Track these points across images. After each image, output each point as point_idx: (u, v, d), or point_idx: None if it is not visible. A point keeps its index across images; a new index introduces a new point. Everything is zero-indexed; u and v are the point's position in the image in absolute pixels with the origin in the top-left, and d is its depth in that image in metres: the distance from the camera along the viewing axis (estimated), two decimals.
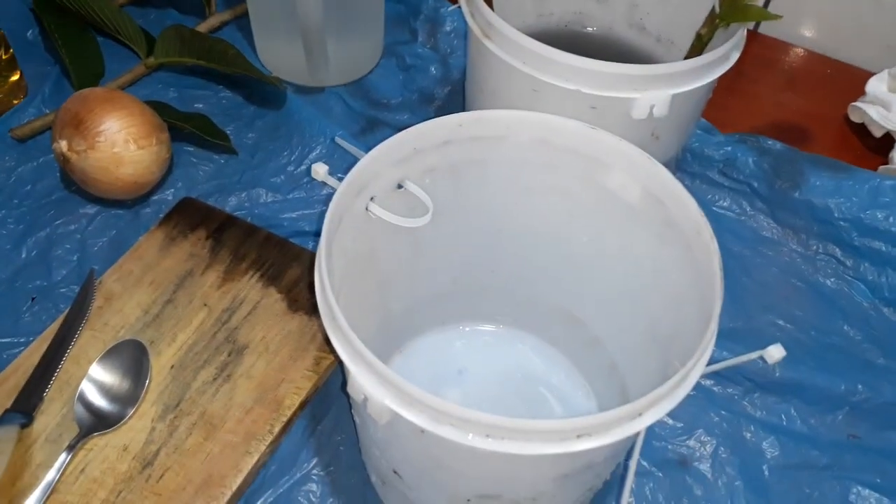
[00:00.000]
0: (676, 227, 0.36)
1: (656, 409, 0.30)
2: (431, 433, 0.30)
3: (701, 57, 0.42)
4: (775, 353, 0.35)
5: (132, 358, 0.47)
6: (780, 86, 0.71)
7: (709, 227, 0.34)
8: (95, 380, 0.46)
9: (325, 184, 0.39)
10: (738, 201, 0.60)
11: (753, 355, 0.35)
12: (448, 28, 0.69)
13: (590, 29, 0.60)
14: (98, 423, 0.45)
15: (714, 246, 0.33)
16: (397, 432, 0.33)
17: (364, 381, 0.31)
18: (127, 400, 0.46)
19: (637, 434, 0.31)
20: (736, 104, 0.67)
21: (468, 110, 0.55)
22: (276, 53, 0.66)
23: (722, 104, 0.66)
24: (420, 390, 0.29)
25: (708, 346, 0.32)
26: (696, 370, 0.31)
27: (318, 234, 0.57)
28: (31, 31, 0.69)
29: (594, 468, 0.35)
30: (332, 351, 0.47)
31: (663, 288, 0.38)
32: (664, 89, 0.42)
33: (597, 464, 0.34)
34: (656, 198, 0.37)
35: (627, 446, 0.37)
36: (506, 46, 0.44)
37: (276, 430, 0.45)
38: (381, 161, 0.37)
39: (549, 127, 0.39)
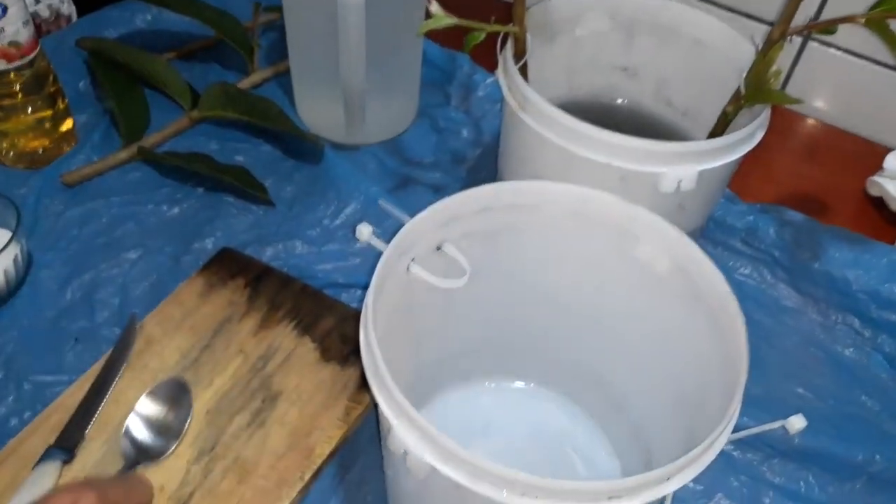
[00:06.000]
0: (703, 300, 0.38)
1: (683, 474, 0.32)
2: (468, 489, 0.31)
3: (728, 136, 0.45)
4: (797, 423, 0.36)
5: (176, 395, 0.49)
6: (801, 157, 0.73)
7: (735, 301, 0.36)
8: (142, 413, 0.48)
9: (368, 243, 0.41)
10: (760, 270, 0.61)
11: (775, 425, 0.37)
12: (481, 94, 0.72)
13: (619, 101, 0.63)
14: (142, 454, 0.46)
15: (740, 321, 0.35)
16: (432, 487, 0.35)
17: (405, 435, 0.32)
18: (170, 434, 0.47)
19: (664, 498, 0.32)
20: (757, 174, 0.69)
21: (501, 175, 0.58)
22: (316, 111, 0.69)
23: (744, 173, 0.68)
24: (460, 447, 0.31)
25: (733, 416, 0.33)
26: (721, 438, 0.33)
27: (350, 286, 0.59)
28: (83, 82, 0.72)
29: None
30: (373, 403, 0.49)
31: (689, 356, 0.40)
32: (692, 165, 0.44)
33: None
34: (684, 270, 0.39)
35: None
36: (540, 119, 0.47)
37: (307, 477, 0.47)
38: (423, 225, 0.40)
39: (583, 199, 0.41)
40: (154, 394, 0.49)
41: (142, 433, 0.47)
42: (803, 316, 0.59)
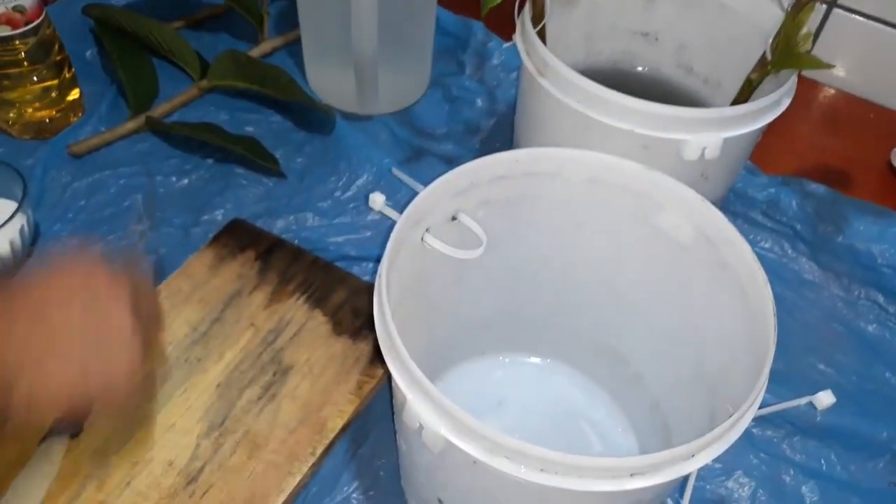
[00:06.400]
0: (729, 271, 0.37)
1: (708, 451, 0.31)
2: (484, 464, 0.30)
3: (754, 102, 0.43)
4: (825, 399, 0.35)
5: None
6: (823, 128, 0.71)
7: (763, 272, 0.35)
8: None
9: (380, 212, 0.40)
10: (780, 243, 0.60)
11: (803, 400, 0.35)
12: (495, 62, 0.70)
13: (639, 68, 0.61)
14: None
15: (768, 292, 0.34)
16: (448, 461, 0.34)
17: (420, 409, 0.31)
18: None
19: (688, 475, 0.31)
20: (778, 145, 0.68)
21: (517, 144, 0.56)
22: (327, 81, 0.68)
23: (765, 144, 0.66)
24: (476, 421, 0.30)
25: (761, 392, 0.32)
26: (748, 414, 0.32)
27: (362, 258, 0.58)
28: (90, 52, 0.71)
29: None
30: (387, 377, 0.48)
31: (712, 330, 0.39)
32: (716, 132, 0.43)
33: (644, 502, 0.35)
34: (709, 240, 0.38)
35: (675, 486, 0.37)
36: (560, 85, 0.45)
37: (319, 451, 0.46)
38: (438, 194, 0.38)
39: (603, 165, 0.40)
40: None
41: None
42: (825, 290, 0.58)
